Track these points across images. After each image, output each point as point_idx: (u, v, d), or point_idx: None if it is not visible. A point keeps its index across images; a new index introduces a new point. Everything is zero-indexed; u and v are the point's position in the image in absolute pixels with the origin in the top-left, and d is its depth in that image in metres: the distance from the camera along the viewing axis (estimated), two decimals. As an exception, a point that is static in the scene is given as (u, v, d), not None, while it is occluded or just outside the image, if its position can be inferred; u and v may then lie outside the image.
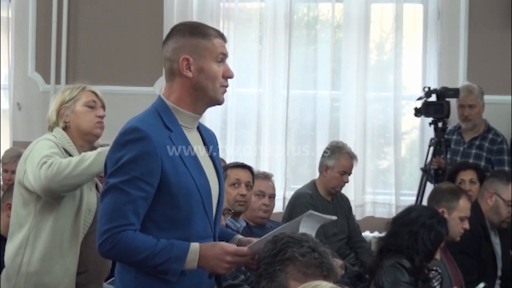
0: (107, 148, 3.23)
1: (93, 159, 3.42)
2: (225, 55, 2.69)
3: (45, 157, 3.46)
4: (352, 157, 5.64)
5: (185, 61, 2.64)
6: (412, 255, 3.86)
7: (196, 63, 2.64)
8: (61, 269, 3.53)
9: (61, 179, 3.39)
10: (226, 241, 2.75)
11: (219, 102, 2.71)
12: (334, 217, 2.90)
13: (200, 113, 2.73)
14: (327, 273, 2.42)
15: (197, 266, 2.59)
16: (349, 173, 5.61)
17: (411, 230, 3.92)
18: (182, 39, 2.66)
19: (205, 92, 2.67)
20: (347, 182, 5.60)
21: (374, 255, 4.06)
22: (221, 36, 2.71)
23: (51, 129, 3.69)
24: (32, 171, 3.46)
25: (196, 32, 2.67)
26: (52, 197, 3.48)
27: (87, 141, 3.68)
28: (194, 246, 2.58)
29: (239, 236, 2.86)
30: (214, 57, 2.66)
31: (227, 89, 2.73)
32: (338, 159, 5.55)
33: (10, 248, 3.62)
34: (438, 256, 4.00)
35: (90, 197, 3.60)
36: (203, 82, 2.66)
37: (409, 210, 4.10)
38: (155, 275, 2.58)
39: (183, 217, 2.61)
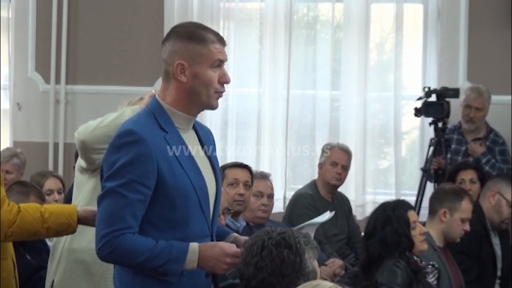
0: (137, 107, 3.40)
1: (120, 113, 3.56)
2: (222, 61, 2.67)
3: None
4: (342, 149, 5.65)
5: (180, 66, 2.63)
6: (400, 253, 3.89)
7: (190, 68, 2.63)
8: None
9: (90, 130, 3.59)
10: (222, 239, 2.76)
11: (212, 107, 2.70)
12: (328, 217, 2.91)
13: (195, 114, 2.73)
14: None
15: (196, 266, 2.59)
16: (342, 165, 5.58)
17: (379, 238, 3.94)
18: (179, 42, 2.64)
19: (199, 97, 2.66)
20: (339, 173, 5.56)
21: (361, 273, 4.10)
22: (220, 41, 2.67)
23: None
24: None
25: (193, 37, 2.64)
26: (88, 154, 3.61)
27: None
28: (193, 246, 2.58)
29: (235, 235, 2.85)
30: (210, 63, 2.64)
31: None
32: (328, 154, 5.58)
33: None
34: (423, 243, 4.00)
35: None
36: (197, 88, 2.64)
37: (368, 224, 4.10)
38: (152, 276, 2.58)
39: (180, 218, 2.61)
